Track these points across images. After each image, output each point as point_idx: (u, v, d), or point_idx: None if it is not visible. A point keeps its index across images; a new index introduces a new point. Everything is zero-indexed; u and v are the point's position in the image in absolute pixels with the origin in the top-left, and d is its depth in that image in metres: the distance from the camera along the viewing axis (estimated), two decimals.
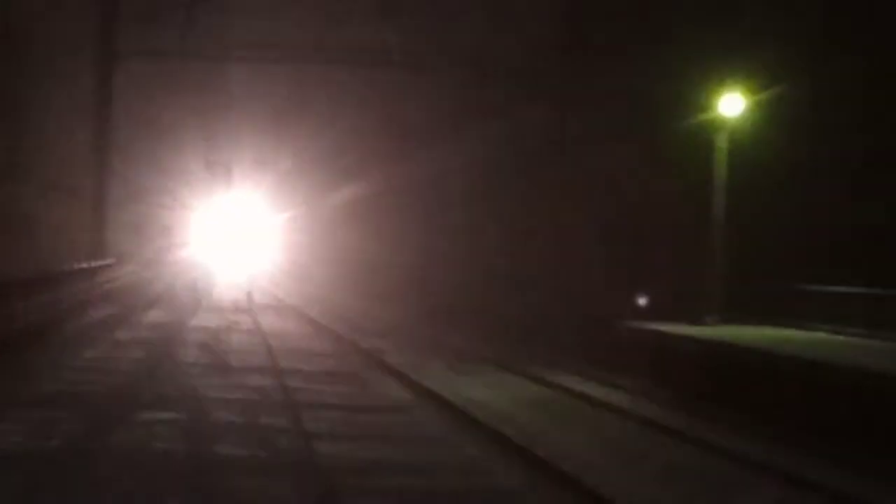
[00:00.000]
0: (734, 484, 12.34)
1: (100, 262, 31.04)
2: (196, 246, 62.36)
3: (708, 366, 18.41)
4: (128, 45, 33.64)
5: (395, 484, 10.49)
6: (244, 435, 12.10)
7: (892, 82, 21.98)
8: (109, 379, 16.16)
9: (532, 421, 16.05)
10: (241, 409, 13.75)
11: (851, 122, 22.99)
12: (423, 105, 39.81)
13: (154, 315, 29.52)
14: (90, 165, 34.22)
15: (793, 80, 22.79)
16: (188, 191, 57.45)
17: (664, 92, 25.88)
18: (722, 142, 22.65)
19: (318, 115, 49.57)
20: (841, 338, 20.39)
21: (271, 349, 22.11)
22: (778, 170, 24.33)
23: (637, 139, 27.41)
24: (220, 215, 64.10)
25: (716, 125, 22.69)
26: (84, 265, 27.78)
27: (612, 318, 22.85)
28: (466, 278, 35.07)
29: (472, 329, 29.56)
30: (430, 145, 38.65)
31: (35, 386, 15.07)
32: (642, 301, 25.10)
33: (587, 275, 28.87)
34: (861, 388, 14.62)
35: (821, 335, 20.85)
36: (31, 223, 31.44)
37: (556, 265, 30.70)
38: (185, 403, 14.06)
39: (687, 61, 25.19)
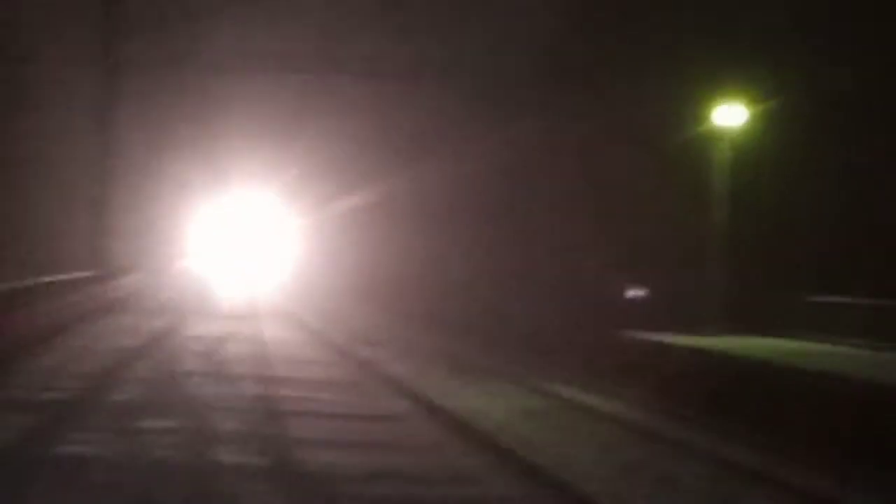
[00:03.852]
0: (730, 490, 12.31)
1: (102, 272, 31.03)
2: (201, 254, 62.41)
3: (707, 376, 18.36)
4: (131, 56, 33.71)
5: (389, 492, 10.45)
6: (241, 442, 12.06)
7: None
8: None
9: (529, 431, 16.00)
10: (239, 418, 13.71)
11: (855, 132, 22.99)
12: (427, 114, 39.83)
13: (156, 324, 29.49)
14: (94, 174, 34.29)
15: (795, 91, 22.80)
16: (193, 199, 57.50)
17: (667, 103, 25.90)
18: (722, 152, 22.66)
19: (324, 124, 49.58)
20: (841, 349, 20.36)
21: (270, 358, 22.08)
22: (780, 180, 24.31)
23: (639, 149, 27.41)
24: (224, 224, 64.15)
25: (716, 135, 22.71)
26: (87, 274, 27.74)
27: (611, 328, 22.81)
28: (474, 287, 35.05)
29: (476, 339, 29.53)
30: (432, 155, 38.67)
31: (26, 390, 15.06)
32: (637, 293, 25.07)
33: (588, 285, 28.83)
34: (856, 398, 14.62)
35: (820, 346, 20.82)
36: (33, 231, 31.48)
37: (558, 275, 30.68)
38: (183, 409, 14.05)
39: (689, 72, 25.20)
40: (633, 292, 25.66)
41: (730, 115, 22.64)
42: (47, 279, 21.35)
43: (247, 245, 65.65)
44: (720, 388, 17.82)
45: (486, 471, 12.37)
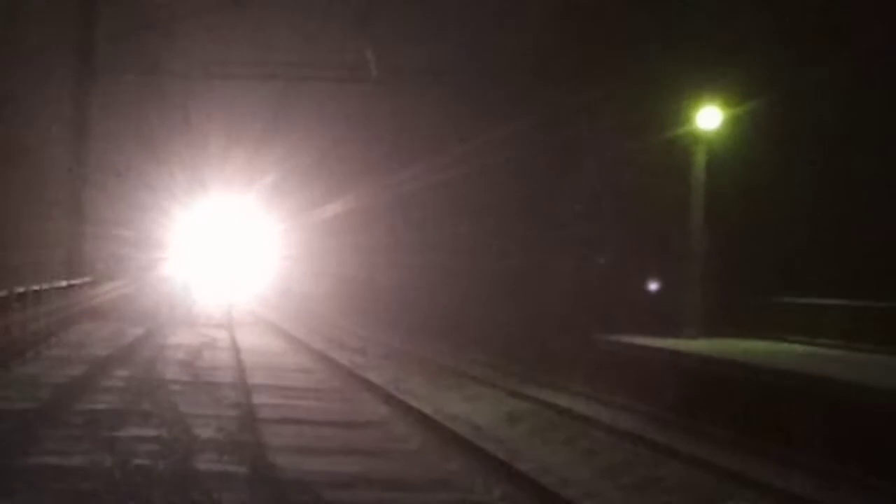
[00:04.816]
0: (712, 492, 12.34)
1: (78, 280, 30.87)
2: (181, 260, 62.14)
3: (685, 378, 18.42)
4: (109, 62, 33.61)
5: (372, 498, 10.43)
6: (220, 451, 12.01)
7: (870, 94, 22.07)
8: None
9: (510, 435, 16.05)
10: (218, 425, 13.66)
11: (830, 134, 23.08)
12: (407, 119, 39.86)
13: (136, 332, 29.39)
14: (71, 181, 34.17)
15: (771, 93, 22.88)
16: (172, 206, 57.26)
17: (644, 106, 25.93)
18: (700, 155, 22.73)
19: (303, 130, 49.52)
20: (816, 350, 20.46)
21: (250, 366, 22.02)
22: (756, 182, 24.38)
23: (618, 152, 27.46)
24: (204, 230, 63.91)
25: (694, 138, 22.78)
26: (63, 283, 27.55)
27: (590, 332, 22.86)
28: (453, 293, 35.05)
29: (457, 343, 29.57)
30: (412, 160, 38.67)
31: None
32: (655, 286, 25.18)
33: (568, 288, 28.85)
34: (824, 397, 14.79)
35: (797, 347, 20.92)
36: (10, 238, 31.31)
37: (538, 279, 30.69)
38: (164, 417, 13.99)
39: (665, 75, 25.24)
40: (654, 285, 25.84)
41: (707, 117, 22.72)
42: (22, 289, 21.18)
43: (226, 252, 65.45)
44: (699, 391, 17.89)
45: (466, 476, 12.37)
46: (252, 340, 29.33)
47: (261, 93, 46.95)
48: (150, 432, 12.96)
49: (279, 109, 47.95)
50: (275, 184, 56.67)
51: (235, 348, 25.96)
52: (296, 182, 54.48)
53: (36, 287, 22.38)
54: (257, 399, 16.70)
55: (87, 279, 32.57)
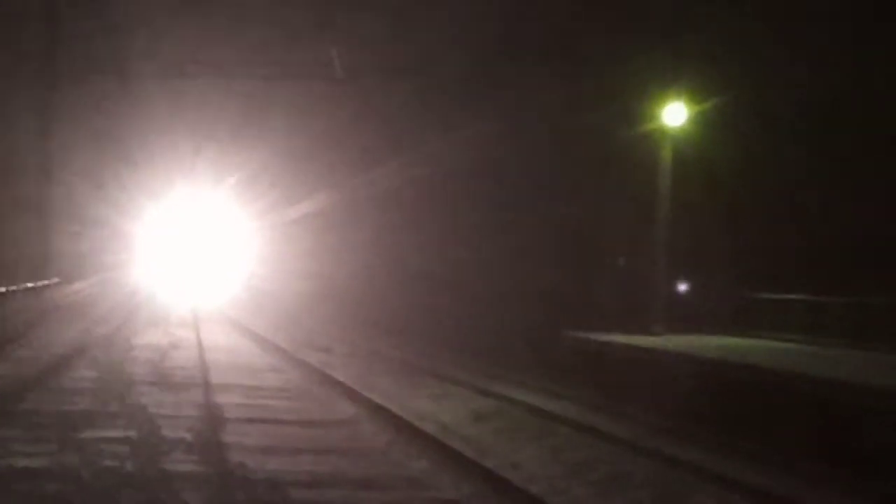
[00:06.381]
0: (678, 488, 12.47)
1: (45, 282, 30.74)
2: (150, 260, 61.97)
3: (650, 375, 18.61)
4: (75, 61, 33.48)
5: (339, 497, 10.46)
6: (188, 451, 12.02)
7: (836, 96, 22.30)
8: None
9: (478, 433, 16.12)
10: (185, 426, 13.66)
11: (795, 134, 23.29)
12: (382, 117, 39.84)
13: (104, 332, 29.29)
14: (38, 181, 34.02)
15: (737, 90, 23.05)
16: (142, 206, 57.08)
17: (611, 103, 26.06)
18: (666, 151, 22.88)
19: (271, 131, 49.42)
20: (781, 344, 20.73)
21: (217, 365, 22.00)
22: (724, 179, 24.56)
23: (587, 150, 27.58)
24: (174, 229, 63.73)
25: (660, 134, 22.93)
26: (29, 285, 27.45)
27: (559, 329, 22.99)
28: (422, 292, 35.09)
29: (427, 342, 29.61)
30: (388, 158, 38.71)
31: None
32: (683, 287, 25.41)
33: (539, 286, 28.97)
34: (783, 389, 15.24)
35: (769, 343, 21.17)
36: None
37: (510, 277, 30.79)
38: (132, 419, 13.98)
39: (633, 72, 25.37)
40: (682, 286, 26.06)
41: (673, 113, 22.88)
42: None
43: (197, 251, 65.29)
44: (670, 389, 18.06)
45: (434, 474, 12.44)
46: (219, 340, 29.28)
47: (230, 91, 46.87)
48: (118, 433, 12.96)
49: (252, 107, 47.89)
50: (244, 183, 56.60)
51: (202, 348, 25.91)
52: (265, 181, 54.40)
53: (2, 289, 22.29)
54: (226, 399, 16.69)
55: (54, 280, 32.44)
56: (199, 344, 26.94)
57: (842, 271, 21.95)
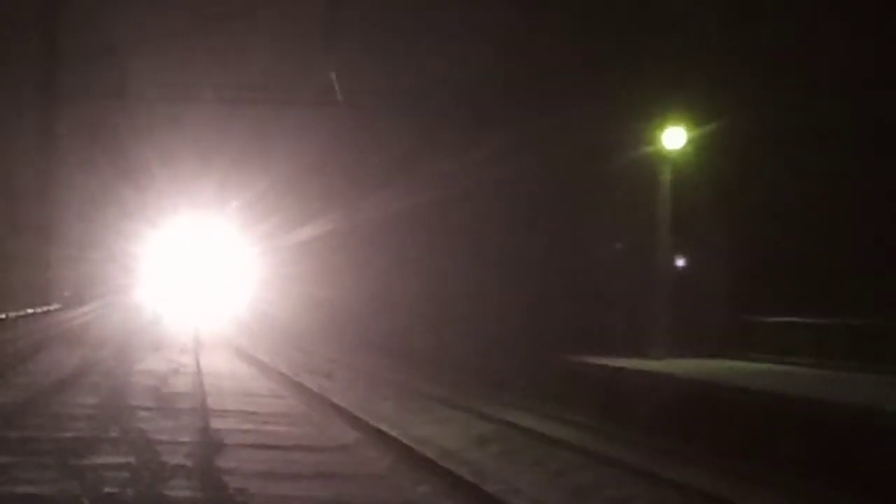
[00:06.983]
0: None
1: (47, 307, 30.71)
2: (152, 285, 61.87)
3: (651, 398, 18.58)
4: (79, 84, 33.56)
5: None
6: (188, 476, 12.01)
7: (831, 119, 22.34)
8: None
9: (479, 457, 16.09)
10: (186, 451, 13.65)
11: (792, 157, 23.32)
12: (384, 141, 39.91)
13: (105, 357, 29.26)
14: (40, 204, 34.04)
15: (735, 114, 23.10)
16: (144, 230, 57.02)
17: (611, 127, 26.11)
18: (666, 174, 22.91)
19: (274, 155, 49.48)
20: (783, 368, 20.67)
21: (219, 391, 21.99)
22: (722, 202, 24.58)
23: (588, 173, 27.63)
24: (177, 254, 63.65)
25: (661, 157, 22.96)
26: (30, 311, 27.36)
27: (560, 353, 22.97)
28: (423, 315, 35.09)
29: (431, 368, 29.61)
30: (386, 184, 38.75)
31: None
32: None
33: (540, 311, 28.98)
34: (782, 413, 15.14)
35: (764, 366, 21.10)
36: None
37: (510, 301, 30.79)
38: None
39: (632, 96, 25.44)
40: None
41: (673, 137, 22.92)
42: None
43: (199, 275, 65.19)
44: (668, 412, 18.03)
45: (435, 499, 12.42)
46: (221, 365, 29.25)
47: (232, 116, 46.93)
48: (118, 459, 12.93)
49: (251, 132, 47.98)
50: (246, 206, 56.57)
51: (207, 374, 25.89)
52: (268, 205, 54.39)
53: (2, 315, 22.30)
54: (227, 425, 16.67)
55: (56, 306, 32.42)
56: (199, 371, 26.91)
57: (843, 293, 21.92)
